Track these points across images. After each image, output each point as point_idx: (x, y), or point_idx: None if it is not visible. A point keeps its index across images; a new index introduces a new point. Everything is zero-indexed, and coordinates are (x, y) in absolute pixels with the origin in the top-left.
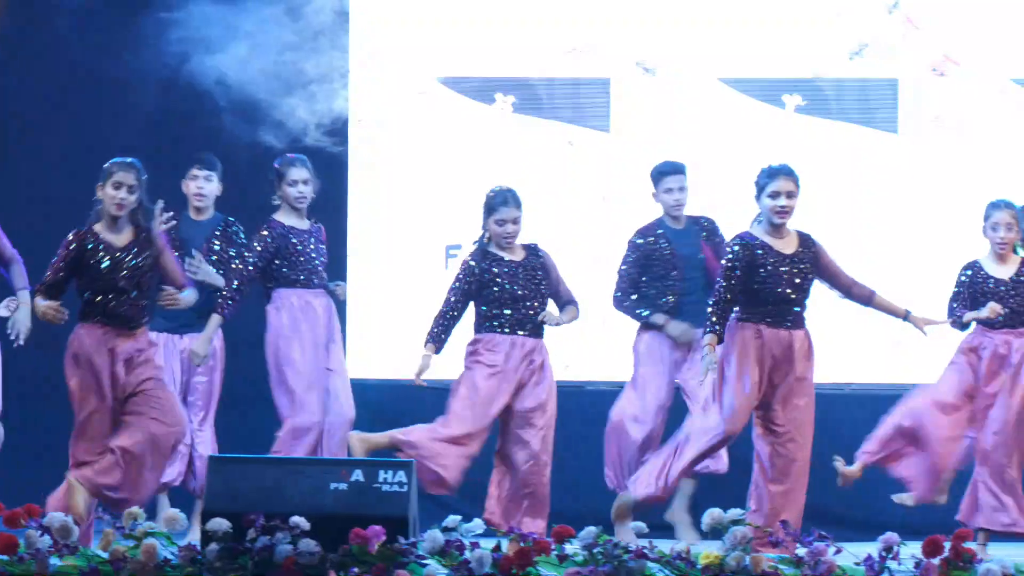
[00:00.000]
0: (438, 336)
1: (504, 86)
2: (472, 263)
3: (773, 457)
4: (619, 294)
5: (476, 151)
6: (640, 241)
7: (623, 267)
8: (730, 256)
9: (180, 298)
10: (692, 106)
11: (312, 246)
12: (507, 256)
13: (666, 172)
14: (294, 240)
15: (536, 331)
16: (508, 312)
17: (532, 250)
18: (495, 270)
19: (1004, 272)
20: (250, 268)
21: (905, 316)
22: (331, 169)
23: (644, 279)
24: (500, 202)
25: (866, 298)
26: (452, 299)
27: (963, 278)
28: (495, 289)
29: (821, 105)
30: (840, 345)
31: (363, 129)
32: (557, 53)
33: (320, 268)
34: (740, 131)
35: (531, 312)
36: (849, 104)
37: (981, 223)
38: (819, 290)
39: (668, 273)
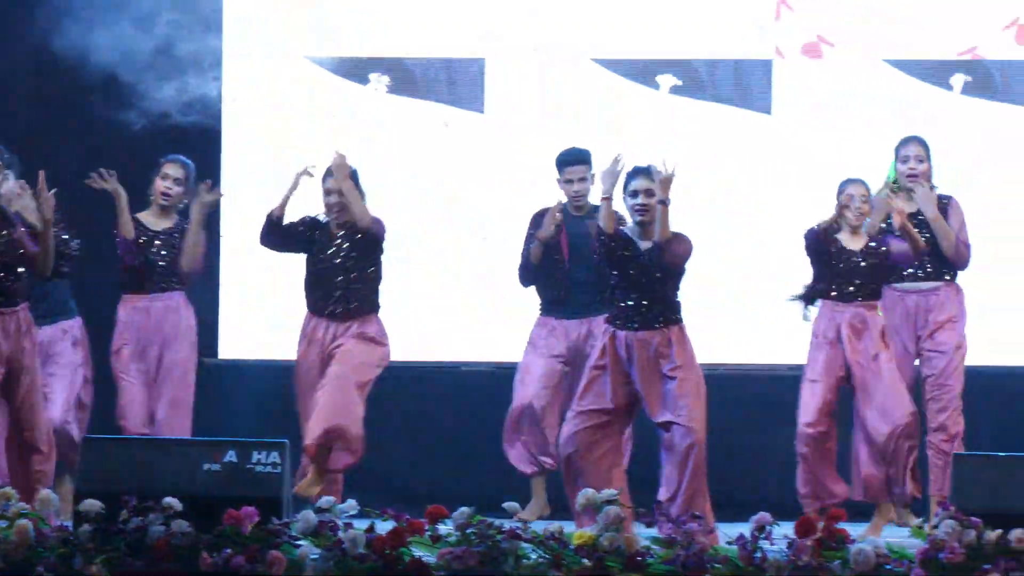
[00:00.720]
0: None
1: (379, 66)
2: None
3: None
4: (519, 274)
5: (351, 131)
6: (536, 219)
7: (523, 250)
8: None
9: None
10: (567, 86)
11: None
12: None
13: (568, 162)
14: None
15: None
16: None
17: None
18: None
19: (856, 244)
20: None
21: None
22: (204, 149)
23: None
24: None
25: None
26: None
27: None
28: None
29: (696, 86)
30: (716, 328)
31: (237, 108)
32: (432, 32)
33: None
34: (615, 112)
35: None
36: (724, 85)
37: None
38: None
39: (557, 262)
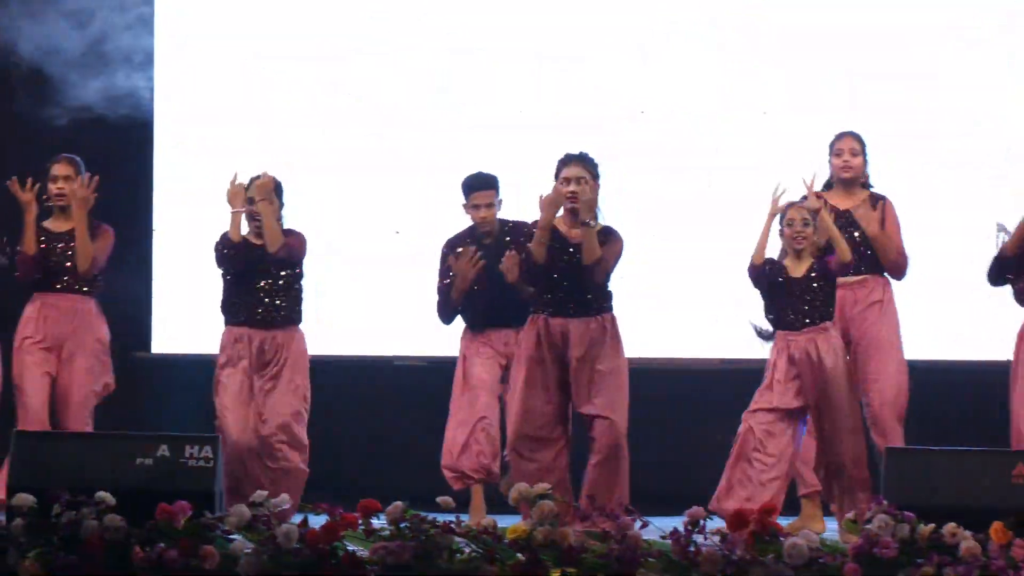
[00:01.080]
0: None
1: (317, 63)
2: None
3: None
4: (439, 311)
5: (284, 127)
6: (446, 251)
7: (440, 285)
8: None
9: None
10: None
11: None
12: None
13: (475, 187)
14: None
15: None
16: None
17: None
18: None
19: (799, 270)
20: None
21: None
22: (136, 145)
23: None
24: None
25: None
26: None
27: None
28: None
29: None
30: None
31: (169, 104)
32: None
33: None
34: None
35: None
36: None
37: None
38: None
39: (477, 291)
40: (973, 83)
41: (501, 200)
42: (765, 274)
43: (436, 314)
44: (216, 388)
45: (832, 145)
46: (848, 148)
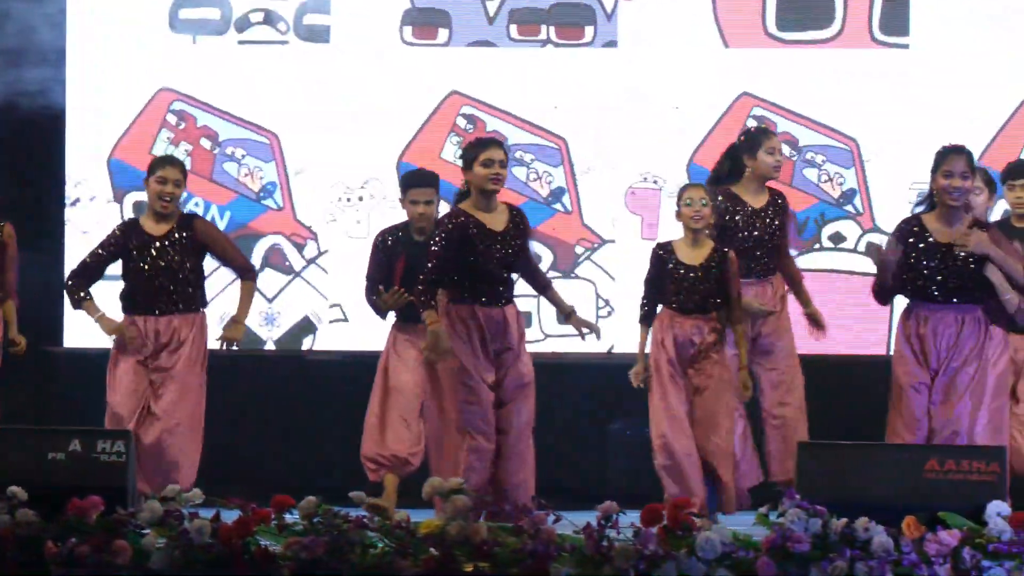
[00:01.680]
0: None
1: (229, 58)
2: None
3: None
4: (367, 299)
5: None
6: (379, 241)
7: (369, 272)
8: (441, 234)
9: None
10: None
11: None
12: None
13: (414, 184)
14: None
15: None
16: None
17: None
18: None
19: (695, 258)
20: None
21: (569, 315)
22: (48, 139)
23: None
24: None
25: (542, 287)
26: None
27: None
28: None
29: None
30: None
31: (82, 98)
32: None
33: None
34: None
35: None
36: None
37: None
38: None
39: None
40: None
41: (440, 199)
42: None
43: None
44: None
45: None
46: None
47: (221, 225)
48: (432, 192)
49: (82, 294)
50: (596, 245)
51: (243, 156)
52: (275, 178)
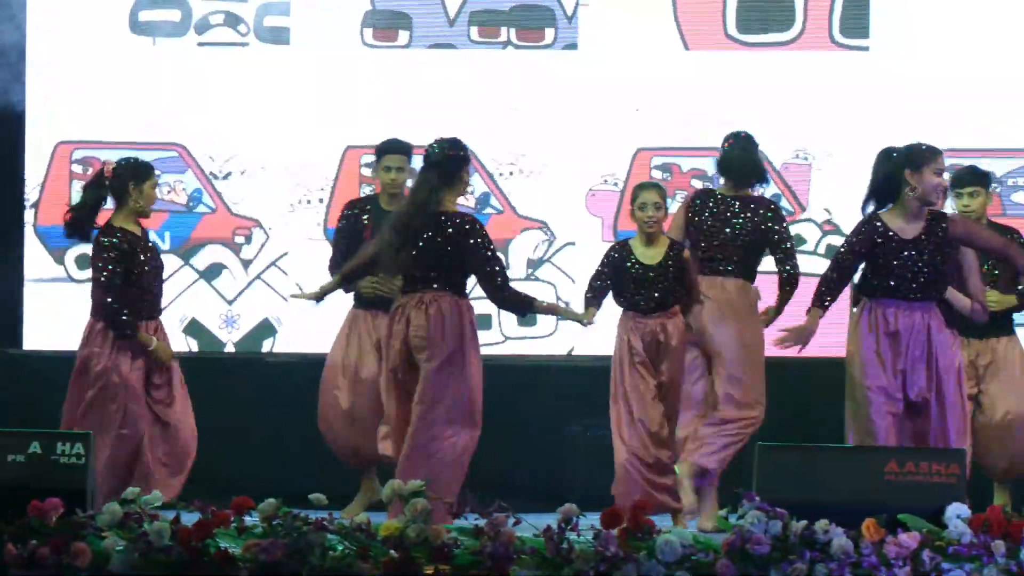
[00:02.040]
0: None
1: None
2: None
3: None
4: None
5: (159, 121)
6: (345, 210)
7: (335, 239)
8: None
9: None
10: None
11: None
12: None
13: (388, 150)
14: None
15: None
16: None
17: None
18: None
19: (652, 257)
20: None
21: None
22: (7, 137)
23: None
24: None
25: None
26: None
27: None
28: None
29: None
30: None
31: (42, 99)
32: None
33: None
34: None
35: None
36: None
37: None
38: None
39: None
40: None
41: (413, 169)
42: (614, 260)
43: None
44: None
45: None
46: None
47: (165, 245)
48: (404, 160)
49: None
50: (542, 230)
51: (159, 175)
52: (197, 184)
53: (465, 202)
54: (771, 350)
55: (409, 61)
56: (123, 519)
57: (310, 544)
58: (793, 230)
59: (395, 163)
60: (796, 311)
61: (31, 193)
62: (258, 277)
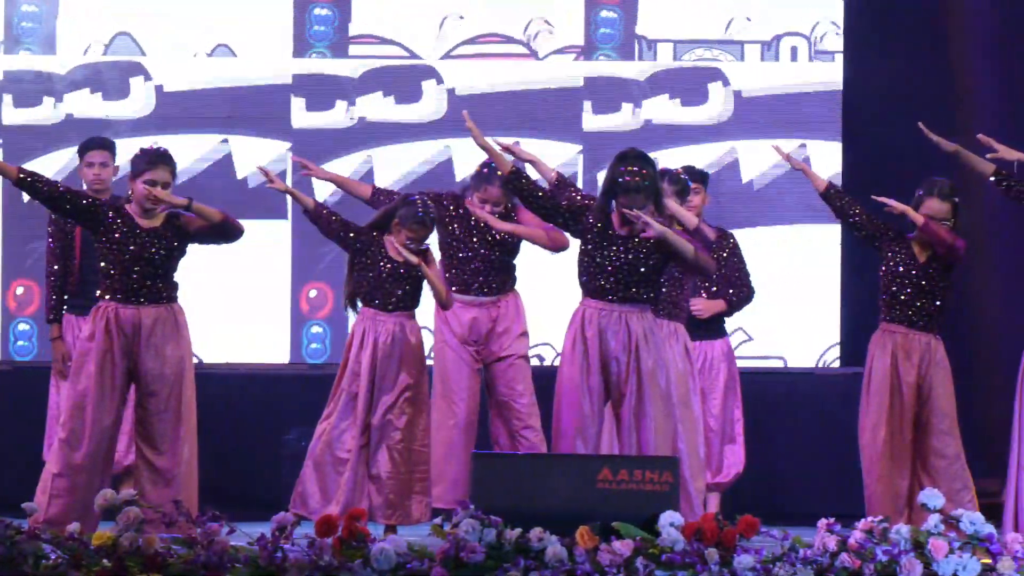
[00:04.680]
0: None
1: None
2: None
3: None
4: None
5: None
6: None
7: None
8: None
9: None
10: None
11: None
12: None
13: (89, 147)
14: None
15: None
16: None
17: None
18: None
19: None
20: None
21: None
22: None
23: None
24: None
25: None
26: None
27: None
28: None
29: None
30: None
31: None
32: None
33: None
34: None
35: None
36: None
37: None
38: None
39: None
40: None
41: (118, 167)
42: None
43: None
44: None
45: None
46: None
47: None
48: (108, 155)
49: None
50: None
51: None
52: None
53: None
54: None
55: None
56: None
57: (22, 553)
58: None
59: (97, 159)
60: None
61: None
62: None
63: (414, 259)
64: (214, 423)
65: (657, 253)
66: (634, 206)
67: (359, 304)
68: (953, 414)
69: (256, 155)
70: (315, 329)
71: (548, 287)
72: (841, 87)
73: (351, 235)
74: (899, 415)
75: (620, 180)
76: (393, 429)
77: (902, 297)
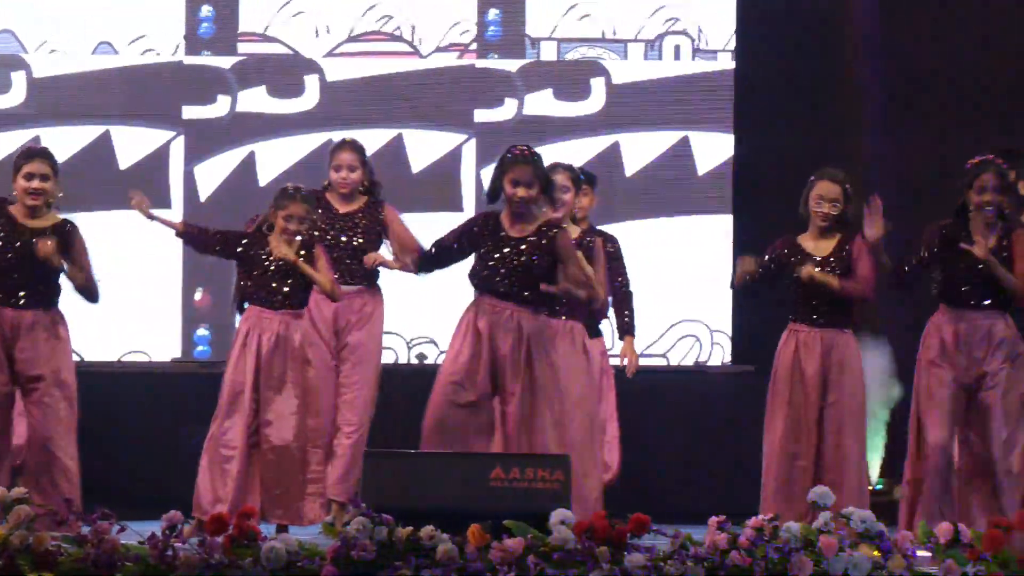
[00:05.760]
0: None
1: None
2: None
3: None
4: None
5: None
6: None
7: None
8: None
9: None
10: None
11: None
12: None
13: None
14: None
15: None
16: None
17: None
18: None
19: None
20: None
21: None
22: None
23: None
24: None
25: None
26: None
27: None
28: None
29: None
30: None
31: None
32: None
33: None
34: None
35: None
36: None
37: None
38: None
39: None
40: None
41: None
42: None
43: None
44: None
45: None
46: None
47: None
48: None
49: None
50: None
51: None
52: None
53: None
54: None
55: None
56: None
57: None
58: None
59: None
60: None
61: None
62: None
63: (283, 252)
64: (104, 422)
65: (549, 255)
66: (522, 180)
67: (245, 304)
68: (860, 412)
69: (142, 145)
70: (200, 332)
71: (432, 284)
72: (732, 81)
73: (243, 241)
74: (801, 411)
75: (508, 155)
76: (280, 428)
77: (813, 302)
